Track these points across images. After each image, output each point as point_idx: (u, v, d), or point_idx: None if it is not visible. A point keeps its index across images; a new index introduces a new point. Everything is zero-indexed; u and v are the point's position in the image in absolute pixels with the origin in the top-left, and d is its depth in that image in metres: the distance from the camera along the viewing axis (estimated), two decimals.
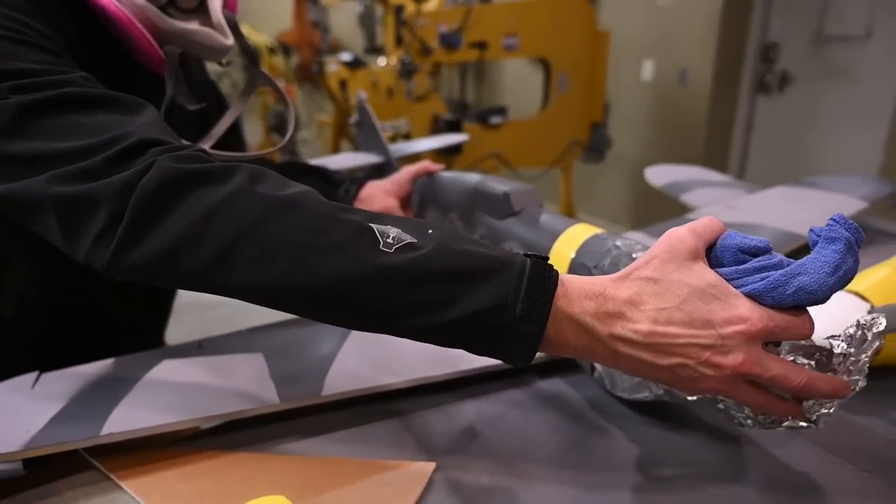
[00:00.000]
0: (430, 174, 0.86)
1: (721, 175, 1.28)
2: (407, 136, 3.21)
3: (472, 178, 0.78)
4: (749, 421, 0.44)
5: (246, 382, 0.56)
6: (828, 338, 0.40)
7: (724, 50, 2.97)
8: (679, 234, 0.40)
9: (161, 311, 0.84)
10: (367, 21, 3.88)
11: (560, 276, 0.40)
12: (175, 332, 0.89)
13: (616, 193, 3.70)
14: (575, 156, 3.17)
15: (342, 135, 4.10)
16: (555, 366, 0.62)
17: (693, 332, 0.37)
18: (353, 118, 1.21)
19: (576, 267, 0.58)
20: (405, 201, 0.87)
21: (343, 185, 0.84)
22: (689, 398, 0.47)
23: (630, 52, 3.34)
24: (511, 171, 3.18)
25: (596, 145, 3.17)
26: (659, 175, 1.25)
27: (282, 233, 0.40)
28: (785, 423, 0.43)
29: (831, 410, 0.41)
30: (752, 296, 0.38)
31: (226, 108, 0.75)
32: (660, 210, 3.30)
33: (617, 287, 0.40)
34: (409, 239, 0.40)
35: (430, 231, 0.41)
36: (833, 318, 0.45)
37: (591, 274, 0.55)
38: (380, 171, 1.10)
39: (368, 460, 0.49)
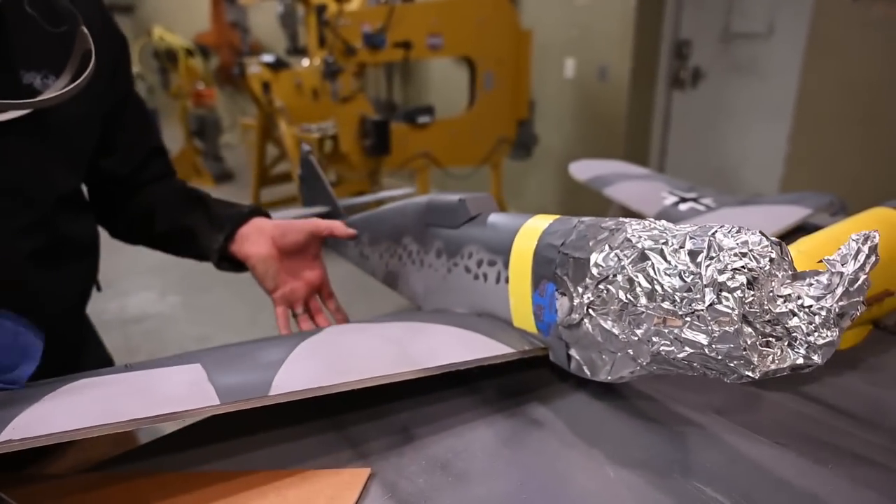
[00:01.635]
0: (335, 237, 0.80)
1: (641, 168, 1.32)
2: (334, 138, 3.17)
3: (420, 198, 0.77)
4: (747, 370, 0.41)
5: (180, 388, 0.48)
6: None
7: (640, 47, 3.09)
8: None
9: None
10: (288, 21, 3.80)
11: None
12: None
13: (545, 189, 3.78)
14: (503, 153, 3.22)
15: (267, 138, 4.00)
16: (499, 367, 0.62)
17: None
18: (297, 172, 1.17)
19: (542, 249, 0.56)
20: (290, 253, 0.78)
21: (225, 229, 0.76)
22: (682, 368, 0.45)
23: (552, 50, 3.42)
24: (441, 171, 3.20)
25: (523, 142, 3.23)
26: (582, 170, 1.28)
27: None
28: (786, 364, 0.41)
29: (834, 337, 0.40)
30: None
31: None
32: (588, 204, 3.40)
33: None
34: None
35: None
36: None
37: (559, 253, 0.54)
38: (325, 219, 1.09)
39: (300, 470, 0.48)
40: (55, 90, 0.61)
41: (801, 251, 0.61)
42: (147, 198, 0.82)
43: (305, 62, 3.57)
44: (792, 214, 0.92)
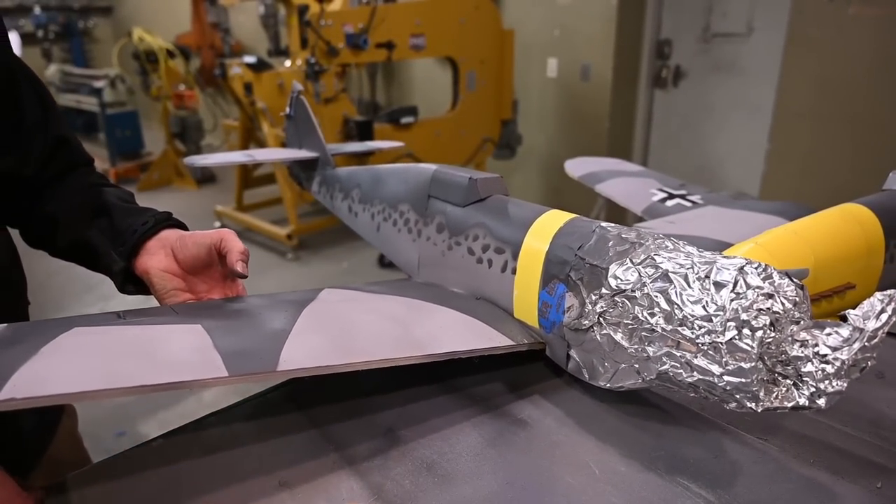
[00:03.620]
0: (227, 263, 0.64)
1: (636, 166, 1.33)
2: None
3: (425, 167, 0.75)
4: (752, 403, 0.43)
5: (184, 352, 0.45)
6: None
7: (621, 46, 3.11)
8: None
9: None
10: (270, 22, 3.77)
11: None
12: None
13: (529, 188, 3.79)
14: (487, 153, 3.22)
15: (250, 139, 3.97)
16: (483, 362, 0.62)
17: None
18: (285, 110, 1.16)
19: (557, 249, 0.56)
20: (193, 269, 0.65)
21: (126, 244, 0.65)
22: (685, 389, 0.46)
23: (535, 49, 3.43)
24: None
25: (507, 142, 3.24)
26: (577, 167, 1.29)
27: None
28: (789, 404, 0.42)
29: (842, 387, 0.41)
30: None
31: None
32: (572, 203, 3.42)
33: None
34: None
35: None
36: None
37: (575, 256, 0.54)
38: (313, 166, 1.07)
39: None
40: None
41: (760, 244, 0.62)
42: (50, 203, 0.70)
43: (288, 63, 3.55)
44: (775, 225, 0.93)
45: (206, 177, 5.02)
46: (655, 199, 1.08)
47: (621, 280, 0.49)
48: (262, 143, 3.80)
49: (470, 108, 3.06)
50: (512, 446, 0.51)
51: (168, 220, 0.67)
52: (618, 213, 3.13)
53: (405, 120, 2.95)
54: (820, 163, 2.55)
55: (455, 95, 3.08)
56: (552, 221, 0.59)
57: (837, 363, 0.40)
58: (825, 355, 0.41)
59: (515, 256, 0.60)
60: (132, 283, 0.66)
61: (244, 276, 0.63)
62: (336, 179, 0.98)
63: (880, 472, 0.47)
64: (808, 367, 0.41)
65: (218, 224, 3.94)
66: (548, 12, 3.33)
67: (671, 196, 1.07)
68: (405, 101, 4.35)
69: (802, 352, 0.41)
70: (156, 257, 0.64)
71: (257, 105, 3.42)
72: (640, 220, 1.03)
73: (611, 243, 0.52)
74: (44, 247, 0.73)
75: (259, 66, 3.46)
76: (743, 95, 2.87)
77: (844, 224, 0.66)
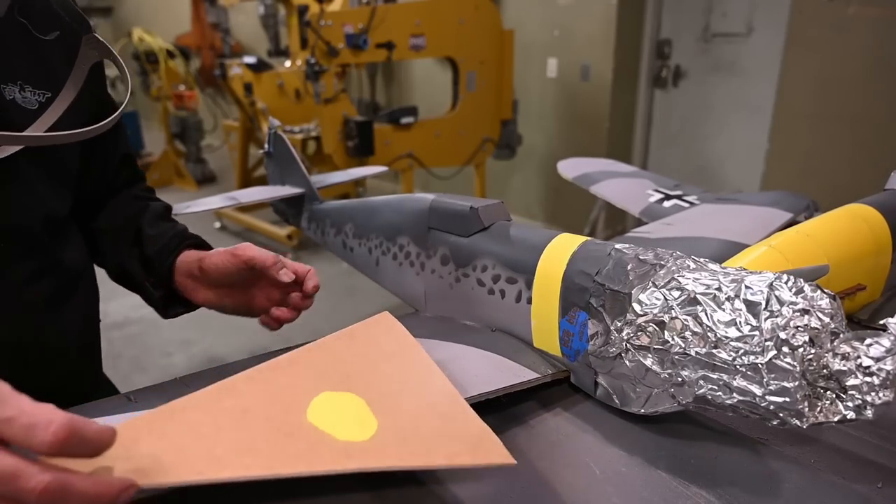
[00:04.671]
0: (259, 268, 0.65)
1: (629, 166, 1.33)
2: (317, 139, 3.16)
3: (420, 198, 0.73)
4: (797, 420, 0.42)
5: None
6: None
7: (621, 46, 3.11)
8: None
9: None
10: (270, 22, 3.77)
11: None
12: None
13: (529, 188, 3.79)
14: (487, 153, 3.22)
15: (250, 139, 3.97)
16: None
17: None
18: (263, 148, 1.12)
19: (574, 275, 0.55)
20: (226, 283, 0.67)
21: (156, 271, 0.69)
22: (725, 410, 0.45)
23: (534, 50, 3.43)
24: (426, 171, 3.20)
25: (507, 142, 3.24)
26: (570, 168, 1.28)
27: None
28: (836, 418, 0.41)
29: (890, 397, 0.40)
30: None
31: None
32: (571, 203, 3.42)
33: None
34: None
35: None
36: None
37: (594, 283, 0.53)
38: (300, 202, 1.03)
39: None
40: (78, 125, 0.53)
41: (773, 246, 0.62)
42: (101, 222, 0.74)
43: (287, 63, 3.55)
44: (773, 218, 0.93)
45: (206, 177, 5.02)
46: (652, 199, 1.07)
47: (646, 304, 0.48)
48: (262, 144, 3.80)
49: (470, 108, 3.06)
50: (512, 446, 0.50)
51: (185, 242, 0.69)
52: (618, 213, 3.13)
53: (405, 120, 2.95)
54: (820, 163, 2.55)
55: (455, 95, 3.08)
56: (564, 246, 0.58)
57: (882, 374, 0.39)
58: (868, 367, 0.40)
59: (529, 285, 0.59)
60: (179, 304, 0.70)
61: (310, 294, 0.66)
62: (326, 214, 0.95)
63: (880, 472, 0.47)
64: (853, 381, 0.40)
65: (218, 224, 3.95)
66: (548, 12, 3.33)
67: (668, 197, 1.07)
68: (405, 101, 4.35)
69: (845, 365, 0.40)
70: (192, 289, 0.68)
71: (257, 105, 3.42)
72: (639, 221, 1.03)
73: (629, 266, 0.51)
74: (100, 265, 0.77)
75: (259, 67, 3.47)
76: (743, 95, 2.87)
77: (853, 225, 0.66)
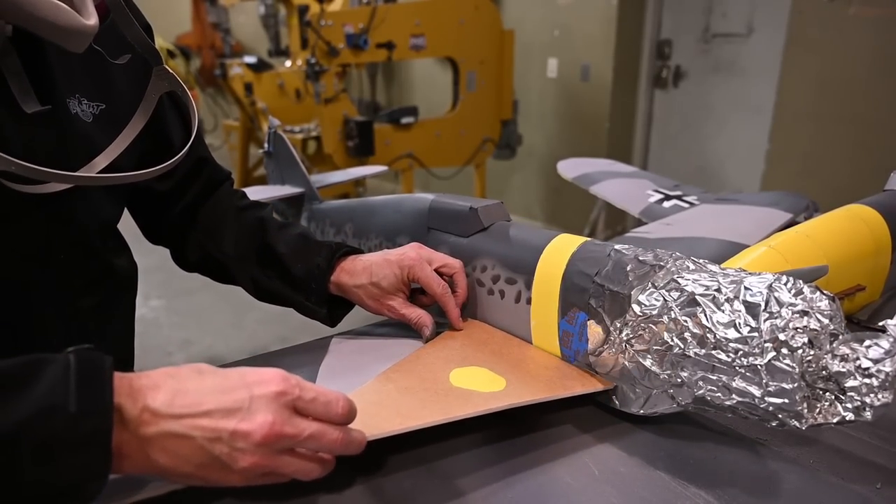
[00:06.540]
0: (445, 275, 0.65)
1: (628, 166, 1.33)
2: (317, 139, 3.16)
3: (420, 198, 0.73)
4: (795, 421, 0.42)
5: None
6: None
7: (621, 47, 3.11)
8: None
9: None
10: (270, 22, 3.77)
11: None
12: None
13: (529, 188, 3.79)
14: (487, 153, 3.22)
15: (250, 139, 3.97)
16: None
17: (220, 396, 0.39)
18: (263, 148, 1.12)
19: (573, 276, 0.55)
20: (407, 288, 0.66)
21: (312, 288, 0.67)
22: (724, 411, 0.45)
23: (535, 50, 3.43)
24: (425, 171, 3.20)
25: (507, 142, 3.24)
26: (569, 168, 1.28)
27: None
28: (835, 420, 0.41)
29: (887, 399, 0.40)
30: None
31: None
32: (571, 203, 3.42)
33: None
34: None
35: None
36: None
37: (593, 283, 0.53)
38: (300, 202, 1.03)
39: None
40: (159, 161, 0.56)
41: (773, 247, 0.62)
42: (203, 229, 0.74)
43: (288, 63, 3.55)
44: (772, 218, 0.93)
45: None
46: (652, 200, 1.08)
47: (646, 305, 0.48)
48: (262, 143, 3.80)
49: (470, 108, 3.06)
50: (512, 446, 0.51)
51: (336, 255, 0.66)
52: (618, 214, 3.13)
53: (405, 120, 2.95)
54: (820, 163, 2.55)
55: (455, 96, 3.08)
56: (563, 247, 0.58)
57: (882, 375, 0.39)
58: (867, 368, 0.40)
59: (529, 286, 0.59)
60: (339, 308, 0.69)
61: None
62: (325, 214, 0.95)
63: (879, 473, 0.47)
64: (852, 382, 0.40)
65: None
66: (548, 12, 3.33)
67: (668, 197, 1.08)
68: (405, 101, 4.35)
69: (844, 367, 0.40)
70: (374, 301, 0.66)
71: (257, 105, 3.42)
72: (639, 221, 1.03)
73: (629, 267, 0.51)
74: (204, 273, 0.78)
75: (259, 67, 3.47)
76: (743, 96, 2.87)
77: (852, 225, 0.66)
